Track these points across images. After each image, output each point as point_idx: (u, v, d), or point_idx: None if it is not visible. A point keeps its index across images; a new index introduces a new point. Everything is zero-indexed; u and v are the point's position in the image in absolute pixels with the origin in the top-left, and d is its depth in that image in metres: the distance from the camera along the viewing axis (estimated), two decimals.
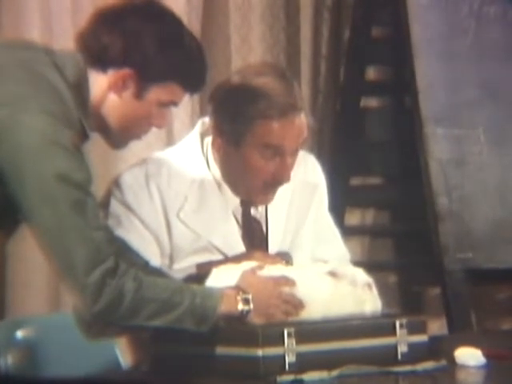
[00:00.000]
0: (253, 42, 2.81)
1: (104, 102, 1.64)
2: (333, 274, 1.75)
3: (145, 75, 1.63)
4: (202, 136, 1.91)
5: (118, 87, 1.63)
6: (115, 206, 1.83)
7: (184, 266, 1.82)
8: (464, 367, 1.69)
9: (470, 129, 2.76)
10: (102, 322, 1.61)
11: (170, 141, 2.59)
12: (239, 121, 1.82)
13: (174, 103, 1.67)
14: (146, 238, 1.82)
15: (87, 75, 1.63)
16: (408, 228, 2.96)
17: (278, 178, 1.84)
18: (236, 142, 1.84)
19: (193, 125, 1.95)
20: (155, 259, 1.81)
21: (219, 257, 1.84)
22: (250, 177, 1.83)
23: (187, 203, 1.83)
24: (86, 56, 1.63)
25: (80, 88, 1.62)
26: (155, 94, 1.64)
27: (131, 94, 1.63)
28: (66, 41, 2.42)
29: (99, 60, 1.62)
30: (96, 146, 1.67)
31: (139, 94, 1.63)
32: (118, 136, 1.67)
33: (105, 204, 1.83)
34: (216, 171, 1.87)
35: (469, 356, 1.71)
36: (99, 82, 1.63)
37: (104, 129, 1.66)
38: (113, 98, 1.64)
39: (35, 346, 1.84)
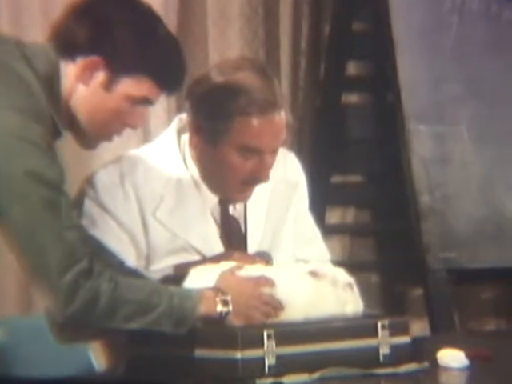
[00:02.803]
0: (231, 36, 2.80)
1: (73, 94, 1.60)
2: (313, 274, 1.75)
3: (114, 64, 1.59)
4: (179, 133, 1.90)
5: (85, 76, 1.59)
6: (89, 205, 1.82)
7: (161, 266, 1.82)
8: (447, 369, 1.71)
9: (453, 126, 2.77)
10: (75, 324, 1.61)
11: (145, 138, 2.58)
12: (217, 118, 1.82)
13: (148, 101, 1.64)
14: (122, 238, 1.82)
15: (59, 68, 1.60)
16: (390, 227, 2.97)
17: (257, 177, 1.84)
18: (214, 140, 1.83)
19: (169, 121, 1.95)
20: (131, 260, 1.81)
21: (197, 257, 1.84)
22: (228, 175, 1.83)
23: (164, 202, 1.83)
24: (57, 46, 1.60)
25: (51, 82, 1.60)
26: (125, 86, 1.60)
27: (99, 84, 1.60)
28: (35, 32, 2.40)
29: (68, 48, 1.59)
30: (69, 142, 1.66)
31: (108, 85, 1.60)
32: (89, 134, 1.64)
33: (78, 203, 1.82)
34: (193, 169, 1.86)
35: (451, 357, 1.72)
36: (68, 73, 1.60)
37: (74, 125, 1.63)
38: (81, 89, 1.60)
39: (5, 349, 1.83)
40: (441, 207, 2.72)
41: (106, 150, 1.92)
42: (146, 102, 1.64)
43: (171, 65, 1.63)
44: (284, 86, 2.84)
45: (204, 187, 1.86)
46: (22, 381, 1.55)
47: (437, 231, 2.70)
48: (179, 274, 1.78)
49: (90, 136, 1.65)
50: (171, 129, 1.91)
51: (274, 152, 1.85)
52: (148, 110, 1.67)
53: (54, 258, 1.57)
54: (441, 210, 2.72)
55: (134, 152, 1.89)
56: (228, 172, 1.83)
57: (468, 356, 1.71)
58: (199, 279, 1.73)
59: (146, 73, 1.61)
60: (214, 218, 1.87)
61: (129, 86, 1.61)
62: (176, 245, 1.82)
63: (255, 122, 1.80)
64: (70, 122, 1.64)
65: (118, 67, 1.60)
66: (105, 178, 1.84)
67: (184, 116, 1.89)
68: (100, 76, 1.60)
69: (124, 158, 1.87)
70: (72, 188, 1.74)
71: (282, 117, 1.83)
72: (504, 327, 2.86)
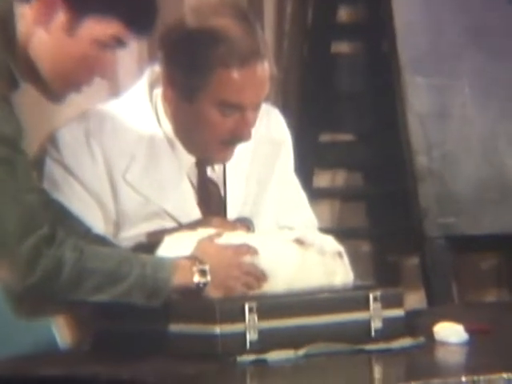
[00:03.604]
0: None
1: (31, 39, 1.58)
2: (299, 241, 1.77)
3: (75, 3, 1.56)
4: (151, 86, 1.90)
5: (43, 17, 1.56)
6: (51, 166, 1.82)
7: (132, 234, 1.82)
8: (444, 344, 1.73)
9: (453, 78, 2.78)
10: (36, 296, 1.61)
11: (113, 91, 2.56)
12: (194, 70, 1.82)
13: (118, 42, 1.60)
14: (88, 202, 1.82)
15: (13, 10, 1.58)
16: (383, 190, 2.99)
17: (238, 135, 1.84)
18: (190, 94, 1.84)
19: (140, 73, 1.93)
20: (98, 226, 1.81)
21: (172, 224, 1.85)
22: (206, 133, 1.83)
23: (135, 163, 1.82)
24: None
25: (5, 26, 1.58)
26: (89, 28, 1.58)
27: (60, 27, 1.57)
28: None
29: None
30: (27, 95, 1.63)
31: (70, 28, 1.57)
32: (52, 84, 1.62)
33: (38, 164, 1.82)
34: (167, 127, 1.86)
35: (449, 332, 1.74)
36: (24, 16, 1.57)
37: (34, 75, 1.62)
38: (41, 34, 1.58)
39: None
40: (439, 168, 2.73)
41: (70, 104, 1.89)
42: (116, 43, 1.61)
43: (140, 1, 1.59)
44: (268, 34, 2.83)
45: (179, 147, 1.86)
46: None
47: (435, 195, 2.72)
48: (152, 241, 1.79)
49: (55, 87, 1.63)
50: (142, 82, 1.91)
51: (257, 108, 1.85)
52: (118, 56, 1.64)
53: (12, 223, 1.57)
54: (439, 171, 2.73)
55: (101, 107, 1.88)
56: (206, 130, 1.83)
57: (467, 330, 1.73)
58: (174, 247, 1.74)
59: (112, 12, 1.59)
60: (191, 181, 1.87)
61: (93, 27, 1.59)
62: (148, 210, 1.83)
63: (236, 74, 1.80)
64: (30, 71, 1.62)
65: (79, 6, 1.57)
66: (68, 136, 1.84)
67: (157, 67, 1.88)
68: (60, 17, 1.58)
69: (90, 113, 1.87)
70: (31, 147, 1.72)
71: (266, 68, 1.83)
72: (506, 298, 2.89)
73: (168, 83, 1.84)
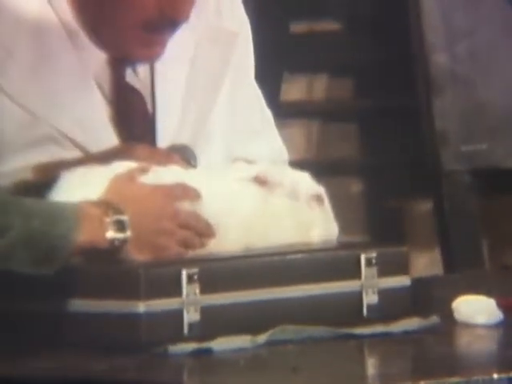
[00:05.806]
0: None
1: None
2: (261, 180, 1.78)
3: None
4: None
5: None
6: None
7: (11, 167, 1.81)
8: (468, 326, 1.75)
9: None
10: None
11: None
12: None
13: None
14: None
15: None
16: (382, 105, 2.99)
17: (169, 13, 1.82)
18: None
19: None
20: None
21: (74, 152, 1.83)
22: (123, 12, 1.81)
23: (13, 63, 1.81)
24: None
25: None
26: None
27: None
28: None
29: None
30: None
31: None
32: None
33: None
34: (63, 7, 1.83)
35: (475, 309, 1.76)
36: None
37: None
38: None
39: None
40: (465, 71, 2.74)
41: None
42: None
43: None
44: None
45: (82, 37, 1.84)
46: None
47: (457, 111, 2.72)
48: (43, 179, 1.77)
49: None
50: None
51: None
52: None
53: None
54: (465, 75, 2.73)
55: None
56: (122, 7, 1.80)
57: (501, 306, 1.75)
58: (76, 188, 1.73)
59: None
60: (101, 88, 1.86)
61: None
62: (36, 132, 1.81)
63: None
64: None
65: None
66: None
67: None
68: None
69: None
70: None
71: None
72: None
73: None
